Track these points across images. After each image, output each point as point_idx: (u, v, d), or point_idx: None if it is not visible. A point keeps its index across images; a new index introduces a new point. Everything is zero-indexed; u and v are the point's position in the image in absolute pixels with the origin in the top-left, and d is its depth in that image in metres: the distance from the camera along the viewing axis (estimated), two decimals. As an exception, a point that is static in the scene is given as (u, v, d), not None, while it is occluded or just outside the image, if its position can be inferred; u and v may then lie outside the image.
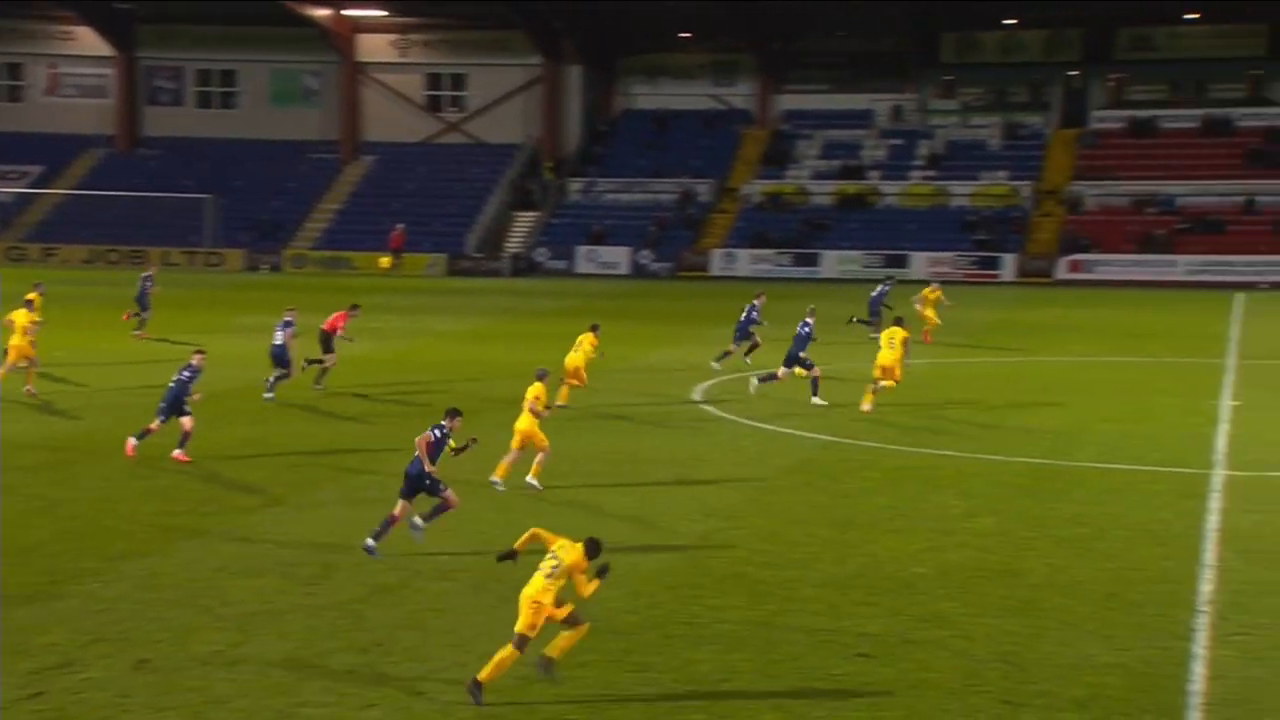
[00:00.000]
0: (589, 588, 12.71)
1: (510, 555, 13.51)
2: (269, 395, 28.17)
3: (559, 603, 12.58)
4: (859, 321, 40.21)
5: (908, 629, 14.47)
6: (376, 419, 26.93)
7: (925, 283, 44.75)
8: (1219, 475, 22.01)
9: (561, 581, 12.53)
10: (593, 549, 12.68)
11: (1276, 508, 19.85)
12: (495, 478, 20.50)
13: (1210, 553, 17.50)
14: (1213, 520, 19.15)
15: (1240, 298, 54.87)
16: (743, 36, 76.41)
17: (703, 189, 74.67)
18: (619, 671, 13.29)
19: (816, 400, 28.50)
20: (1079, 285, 63.15)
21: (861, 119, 76.65)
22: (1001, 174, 72.14)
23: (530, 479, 20.57)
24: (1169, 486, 21.27)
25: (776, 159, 75.74)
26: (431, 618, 14.73)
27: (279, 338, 28.45)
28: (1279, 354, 36.67)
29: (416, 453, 17.09)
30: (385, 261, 68.44)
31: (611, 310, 48.95)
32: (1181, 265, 64.61)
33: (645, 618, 14.85)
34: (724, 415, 27.59)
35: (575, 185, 76.30)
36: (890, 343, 27.87)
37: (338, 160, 78.98)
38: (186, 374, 22.33)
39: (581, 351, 27.50)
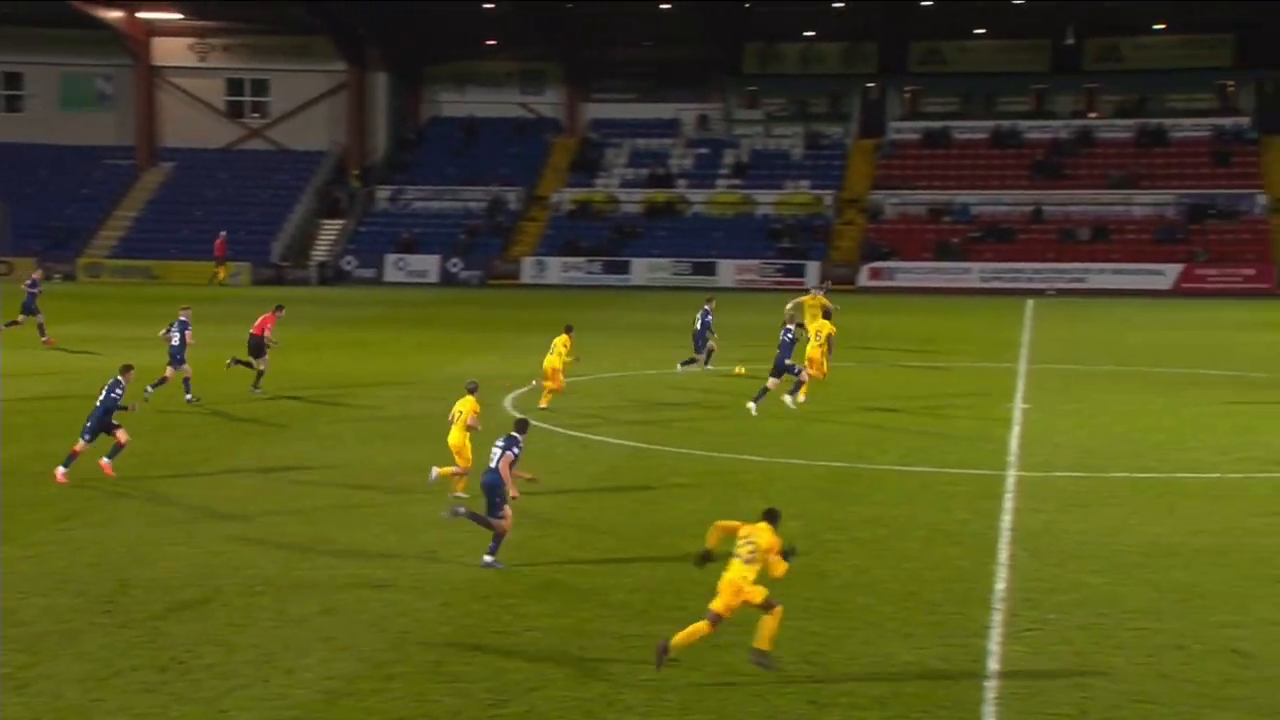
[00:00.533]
0: (781, 568, 13.57)
1: (708, 558, 14.03)
2: (189, 397, 29.11)
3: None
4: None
5: (715, 633, 14.68)
6: (188, 434, 26.25)
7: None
8: (1012, 476, 22.82)
9: (759, 565, 13.40)
10: (773, 518, 13.75)
11: (1063, 507, 20.65)
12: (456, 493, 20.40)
13: (1004, 551, 18.14)
14: (1006, 520, 19.85)
15: (1030, 304, 56.92)
16: (549, 45, 76.57)
17: (512, 197, 74.58)
18: (430, 683, 13.23)
19: (788, 400, 29.04)
20: (880, 292, 64.77)
21: (669, 128, 77.49)
22: (805, 183, 73.62)
23: (446, 484, 20.52)
24: (965, 488, 21.97)
25: (585, 167, 76.08)
26: (234, 634, 14.45)
27: (175, 338, 29.04)
28: (1065, 359, 38.16)
29: (492, 464, 17.02)
30: (222, 273, 66.75)
31: (420, 319, 48.64)
32: (976, 272, 66.79)
33: (457, 628, 14.81)
34: (535, 424, 27.58)
35: (383, 193, 75.52)
36: (817, 335, 30.28)
37: (134, 166, 76.75)
38: (118, 392, 21.87)
39: (556, 354, 28.25)
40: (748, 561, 13.31)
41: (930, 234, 69.90)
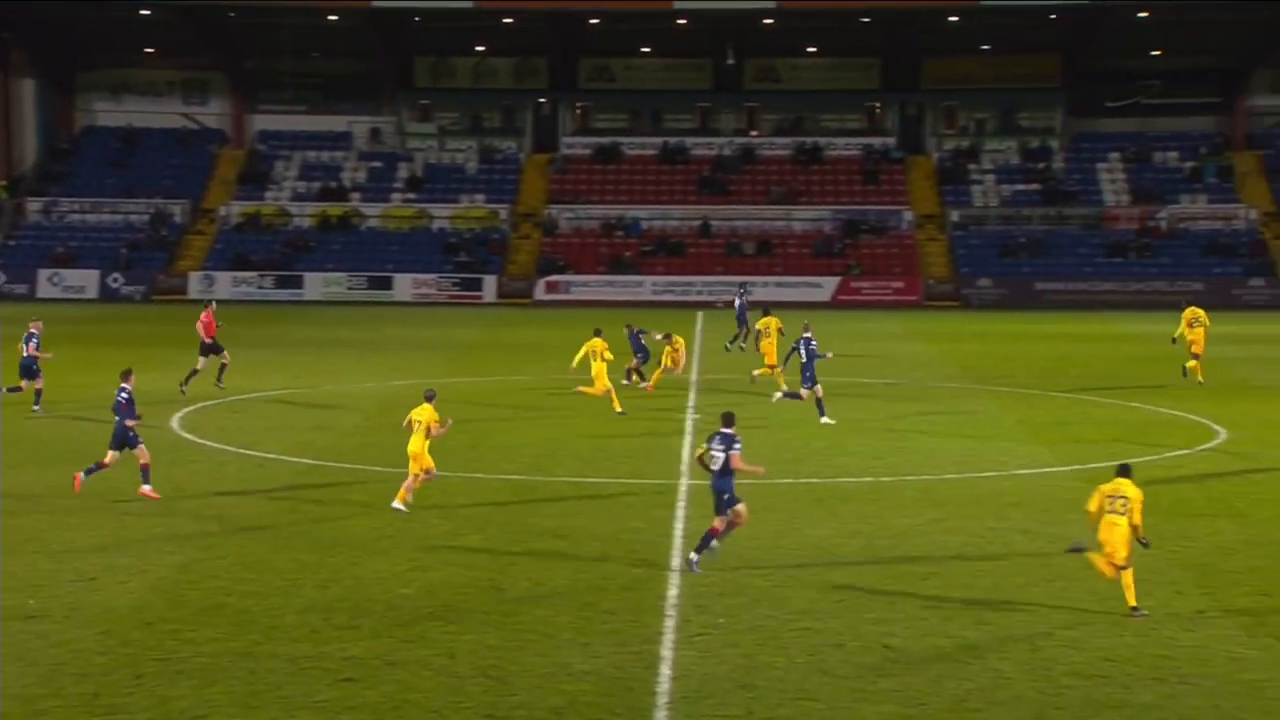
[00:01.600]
0: (1140, 518, 15.70)
1: (1081, 549, 16.37)
2: (36, 408, 29.79)
3: None
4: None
5: (391, 650, 14.50)
6: None
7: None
8: (684, 485, 23.35)
9: (1127, 516, 15.60)
10: (1126, 471, 16.03)
11: (734, 511, 21.23)
12: (396, 503, 20.54)
13: (676, 559, 18.54)
14: (679, 527, 20.30)
15: (701, 315, 58.51)
16: (212, 54, 74.29)
17: (176, 210, 71.99)
18: (85, 717, 12.58)
19: (825, 420, 29.54)
20: (556, 305, 65.42)
21: (340, 140, 76.33)
22: (480, 197, 73.72)
23: (396, 503, 20.63)
24: (640, 498, 22.37)
25: (254, 180, 74.10)
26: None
27: (26, 350, 30.24)
28: (733, 369, 39.32)
29: (715, 467, 17.15)
30: None
31: (79, 336, 46.29)
32: (649, 285, 68.26)
33: (116, 657, 14.14)
34: (203, 442, 26.69)
35: (34, 205, 71.73)
36: (765, 330, 33.09)
37: None
38: (124, 396, 21.55)
39: (598, 359, 30.40)
40: (1120, 513, 15.60)
41: (604, 248, 71.04)
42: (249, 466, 24.44)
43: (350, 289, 66.61)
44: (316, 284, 67.17)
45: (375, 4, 68.76)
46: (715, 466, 17.58)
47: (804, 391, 30.04)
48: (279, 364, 40.04)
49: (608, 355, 31.12)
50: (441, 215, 72.59)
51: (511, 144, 77.15)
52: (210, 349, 33.32)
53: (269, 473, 23.93)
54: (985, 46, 74.82)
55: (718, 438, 17.76)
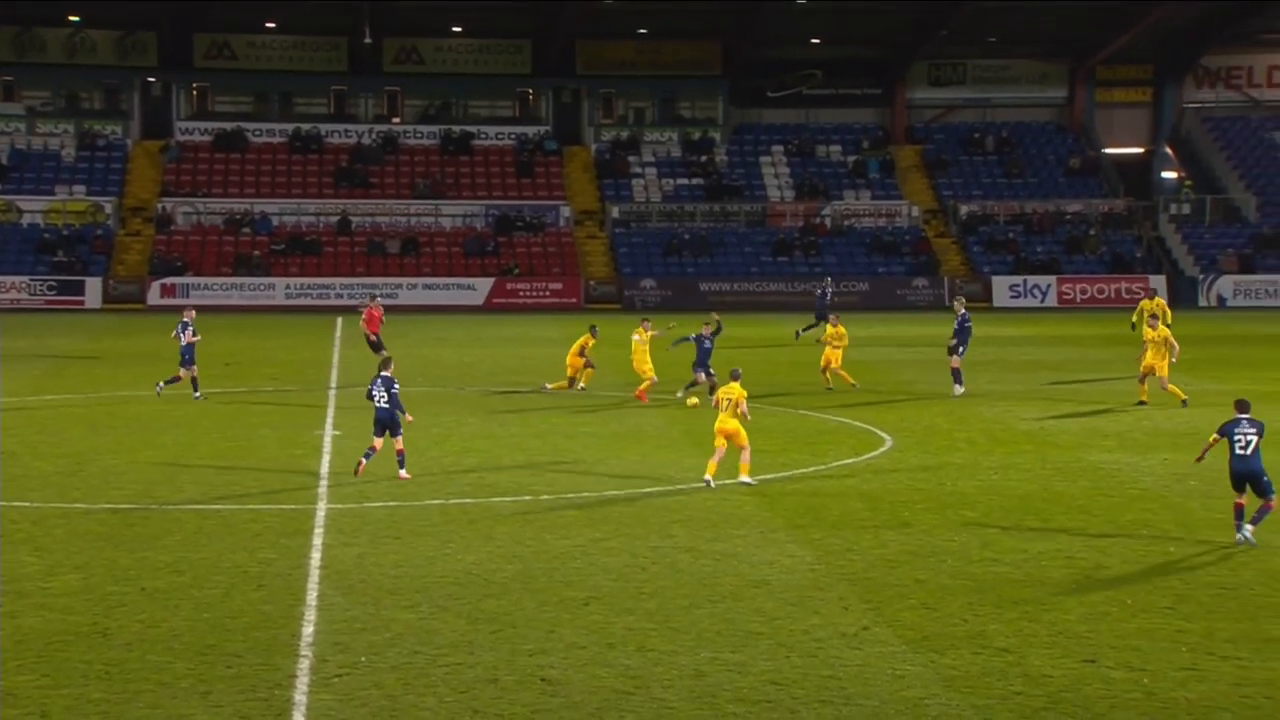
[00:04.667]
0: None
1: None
2: (197, 395, 33.39)
3: None
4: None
5: (-23, 713, 13.73)
6: None
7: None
8: (322, 510, 22.99)
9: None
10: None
11: (376, 540, 21.06)
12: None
13: (313, 592, 18.23)
14: (316, 557, 19.97)
15: (340, 321, 57.75)
16: None
17: None
18: None
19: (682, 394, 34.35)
20: (173, 311, 63.11)
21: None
22: (79, 188, 70.76)
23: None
24: (271, 525, 21.90)
25: None
26: None
27: (182, 338, 33.81)
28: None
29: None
30: None
31: None
32: (280, 288, 66.91)
33: None
34: None
35: None
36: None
37: None
38: (395, 388, 25.24)
39: (642, 349, 34.90)
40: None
41: (228, 246, 69.31)
42: None
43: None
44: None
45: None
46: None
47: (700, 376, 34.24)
48: None
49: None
50: (33, 209, 69.32)
51: (116, 128, 74.31)
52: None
53: None
54: (642, 31, 76.59)
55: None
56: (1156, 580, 18.99)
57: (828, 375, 37.51)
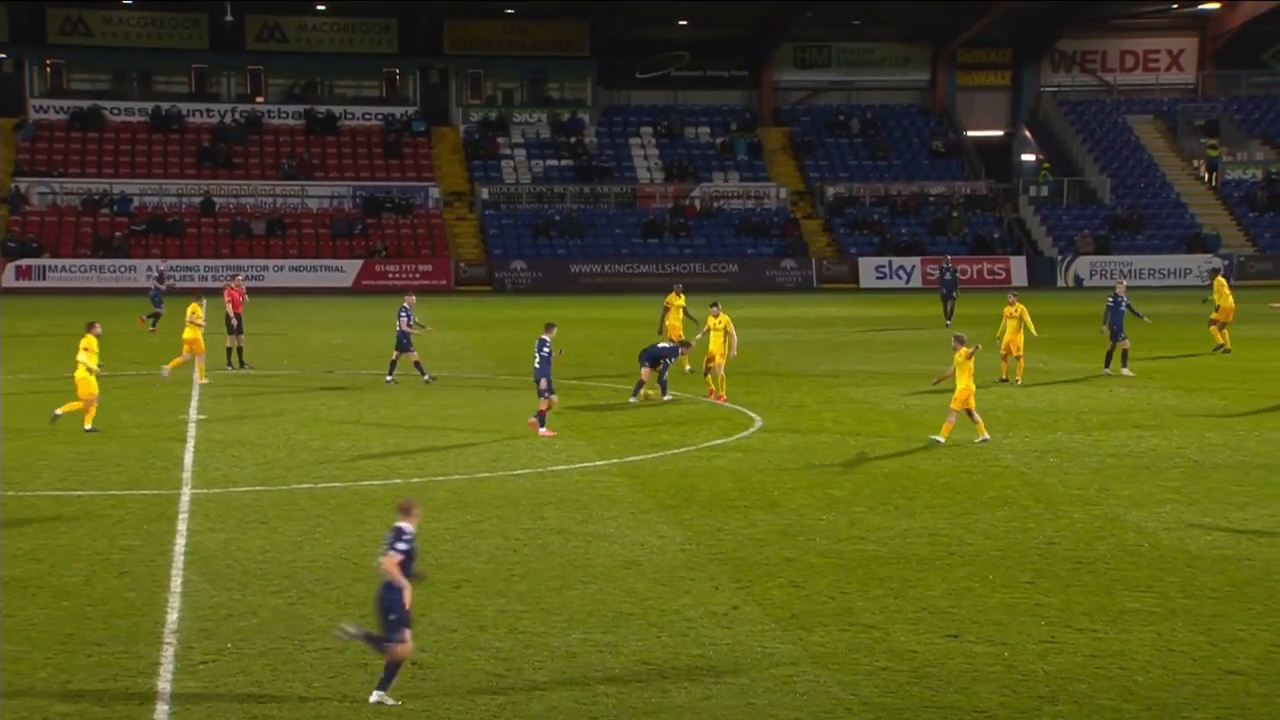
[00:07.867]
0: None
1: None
2: (426, 377, 34.05)
3: None
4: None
5: None
6: None
7: None
8: (187, 495, 22.66)
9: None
10: None
11: (243, 525, 20.81)
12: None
13: (177, 578, 17.97)
14: (180, 543, 19.68)
15: (205, 302, 56.70)
16: None
17: None
18: None
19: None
20: (29, 294, 61.97)
21: None
22: (-72, 168, 68.84)
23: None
24: (134, 511, 21.55)
25: None
26: None
27: (400, 324, 34.17)
28: (252, 362, 38.42)
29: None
30: None
31: None
32: (142, 270, 65.59)
33: None
34: None
35: None
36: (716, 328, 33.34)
37: None
38: (546, 350, 27.34)
39: (718, 333, 32.50)
40: None
41: (86, 227, 67.92)
42: None
43: None
44: None
45: None
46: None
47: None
48: None
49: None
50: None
51: (-35, 107, 72.32)
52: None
53: None
54: (509, 10, 76.24)
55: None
56: (1016, 555, 19.37)
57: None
